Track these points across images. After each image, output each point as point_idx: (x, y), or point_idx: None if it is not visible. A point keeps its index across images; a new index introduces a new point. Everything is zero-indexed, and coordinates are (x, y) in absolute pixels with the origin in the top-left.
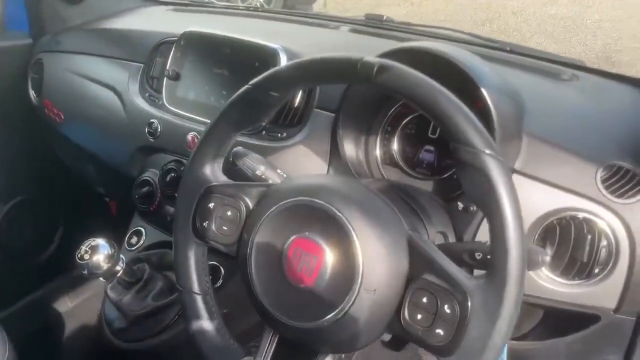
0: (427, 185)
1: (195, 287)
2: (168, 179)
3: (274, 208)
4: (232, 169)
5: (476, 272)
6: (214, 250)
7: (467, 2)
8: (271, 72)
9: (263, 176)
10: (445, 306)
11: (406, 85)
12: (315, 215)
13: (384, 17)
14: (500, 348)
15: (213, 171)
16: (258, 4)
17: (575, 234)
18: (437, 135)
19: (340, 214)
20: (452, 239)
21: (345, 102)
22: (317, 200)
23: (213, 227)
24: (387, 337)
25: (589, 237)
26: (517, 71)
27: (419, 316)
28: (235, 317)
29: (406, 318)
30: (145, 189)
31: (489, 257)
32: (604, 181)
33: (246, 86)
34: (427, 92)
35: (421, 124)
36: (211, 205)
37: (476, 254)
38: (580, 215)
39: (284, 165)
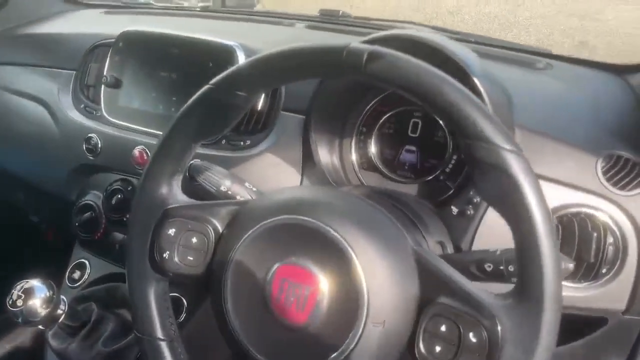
0: (411, 190)
1: (159, 332)
2: (114, 201)
3: (250, 231)
4: (190, 187)
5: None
6: (182, 282)
7: (404, 3)
8: (237, 68)
9: (229, 192)
10: (470, 334)
11: (404, 75)
12: (303, 237)
13: (340, 12)
14: None
15: (171, 191)
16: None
17: (579, 232)
18: (418, 133)
19: (335, 233)
20: (450, 248)
21: (317, 101)
22: (305, 218)
23: (176, 258)
24: None
25: (595, 234)
26: (491, 62)
27: (438, 348)
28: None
29: (422, 351)
30: (87, 215)
31: (501, 267)
32: (604, 172)
33: (206, 86)
34: (429, 81)
35: (400, 122)
36: (172, 231)
37: (486, 265)
38: (583, 211)
39: (250, 177)
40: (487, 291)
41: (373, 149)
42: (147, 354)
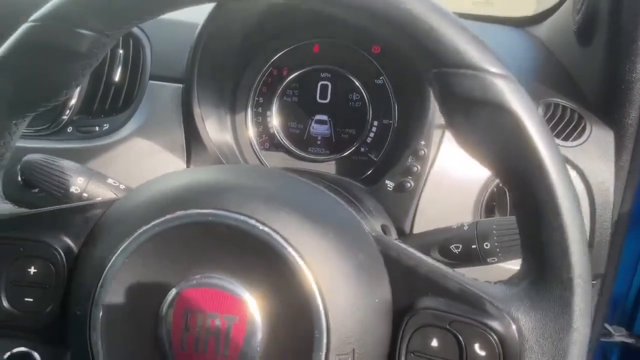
0: (327, 169)
1: None
2: None
3: (124, 243)
4: (24, 196)
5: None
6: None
7: None
8: None
9: (84, 195)
10: (476, 346)
11: None
12: (212, 241)
13: None
14: None
15: None
16: None
17: None
18: (328, 99)
19: (265, 228)
20: (393, 232)
21: (197, 63)
22: (213, 212)
23: (4, 302)
24: None
25: None
26: None
27: None
28: None
29: None
30: None
31: (474, 246)
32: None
33: (26, 25)
34: None
35: (305, 87)
36: None
37: (452, 247)
38: None
39: (114, 172)
40: (482, 280)
41: (275, 122)
42: None
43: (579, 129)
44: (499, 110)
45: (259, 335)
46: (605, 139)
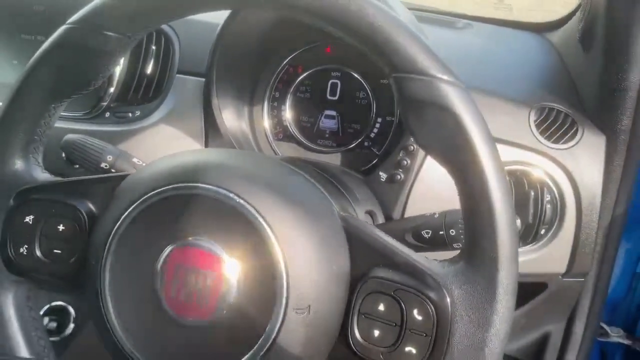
0: (333, 160)
1: (23, 350)
2: None
3: (130, 208)
4: (68, 171)
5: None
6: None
7: None
8: (104, 0)
9: (112, 170)
10: (415, 311)
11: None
12: (199, 209)
13: None
14: (500, 356)
15: (27, 166)
16: None
17: (516, 191)
18: (337, 96)
19: (241, 200)
20: (380, 218)
21: (218, 59)
22: (200, 185)
23: (38, 252)
24: None
25: (532, 193)
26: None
27: (377, 332)
28: None
29: (357, 338)
30: None
31: (441, 232)
32: (538, 125)
33: (64, 26)
34: (346, 2)
35: (317, 84)
36: (29, 218)
37: (423, 232)
38: (519, 168)
39: (142, 153)
40: (430, 258)
41: (288, 115)
42: None
43: (570, 133)
44: (443, 111)
45: (233, 289)
46: (596, 143)
